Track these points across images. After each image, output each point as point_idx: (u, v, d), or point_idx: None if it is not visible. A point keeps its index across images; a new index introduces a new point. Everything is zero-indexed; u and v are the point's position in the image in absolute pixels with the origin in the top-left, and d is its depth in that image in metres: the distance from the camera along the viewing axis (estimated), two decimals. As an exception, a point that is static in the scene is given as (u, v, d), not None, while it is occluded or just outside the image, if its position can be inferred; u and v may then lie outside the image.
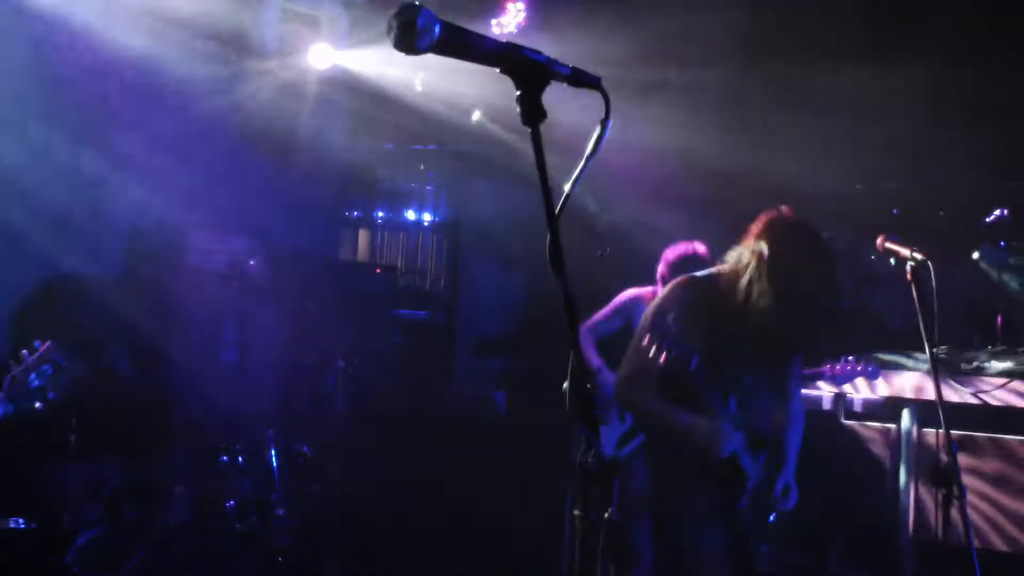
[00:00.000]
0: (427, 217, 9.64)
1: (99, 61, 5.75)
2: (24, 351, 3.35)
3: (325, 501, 5.15)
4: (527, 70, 1.86)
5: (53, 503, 4.57)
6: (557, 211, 1.90)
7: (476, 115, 7.67)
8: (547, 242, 1.91)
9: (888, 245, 3.84)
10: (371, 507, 6.11)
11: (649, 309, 3.55)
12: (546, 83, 1.87)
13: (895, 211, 10.14)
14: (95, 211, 5.93)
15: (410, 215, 9.63)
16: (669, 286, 3.57)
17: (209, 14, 6.01)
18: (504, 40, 1.87)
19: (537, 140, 1.88)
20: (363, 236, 9.41)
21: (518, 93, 1.86)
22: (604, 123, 1.90)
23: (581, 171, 1.93)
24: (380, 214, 9.57)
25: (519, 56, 1.85)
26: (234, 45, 6.28)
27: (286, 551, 5.09)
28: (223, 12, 6.08)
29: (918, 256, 3.71)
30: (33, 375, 3.33)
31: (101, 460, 5.13)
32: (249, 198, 6.69)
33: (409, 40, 1.74)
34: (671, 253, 5.09)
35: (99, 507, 4.42)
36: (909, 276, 3.71)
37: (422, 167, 9.45)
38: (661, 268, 5.09)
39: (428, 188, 9.60)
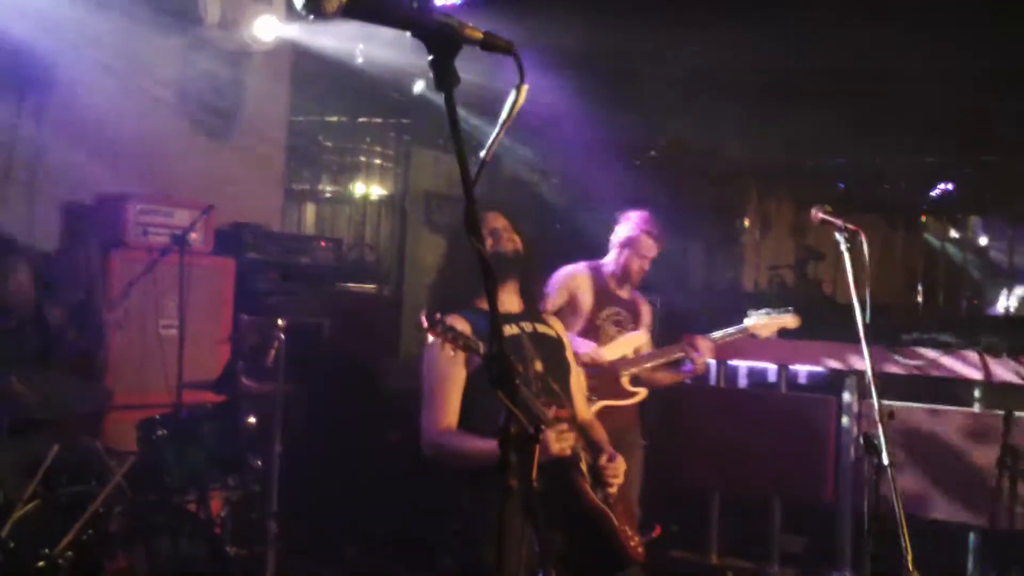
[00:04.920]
0: (373, 190, 9.59)
1: (44, 24, 5.65)
2: None
3: (266, 474, 5.12)
4: (438, 34, 1.82)
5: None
6: (474, 177, 1.89)
7: (418, 85, 7.64)
8: (464, 207, 1.90)
9: (822, 216, 3.86)
10: (313, 481, 6.09)
11: None
12: (459, 48, 1.82)
13: (840, 184, 10.28)
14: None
15: (356, 188, 9.57)
16: None
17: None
18: (416, 3, 1.84)
19: (451, 105, 1.86)
20: (309, 209, 9.35)
21: (430, 58, 1.83)
22: (519, 88, 1.87)
23: (496, 137, 1.91)
24: (326, 187, 9.50)
25: (429, 20, 1.81)
26: (175, 13, 6.17)
27: (226, 525, 5.06)
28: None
29: (850, 227, 3.73)
30: None
31: (36, 434, 5.06)
32: (191, 170, 6.60)
33: (317, 2, 1.71)
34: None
35: (34, 482, 4.34)
36: (842, 247, 3.73)
37: (368, 140, 9.39)
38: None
39: (375, 161, 9.55)
